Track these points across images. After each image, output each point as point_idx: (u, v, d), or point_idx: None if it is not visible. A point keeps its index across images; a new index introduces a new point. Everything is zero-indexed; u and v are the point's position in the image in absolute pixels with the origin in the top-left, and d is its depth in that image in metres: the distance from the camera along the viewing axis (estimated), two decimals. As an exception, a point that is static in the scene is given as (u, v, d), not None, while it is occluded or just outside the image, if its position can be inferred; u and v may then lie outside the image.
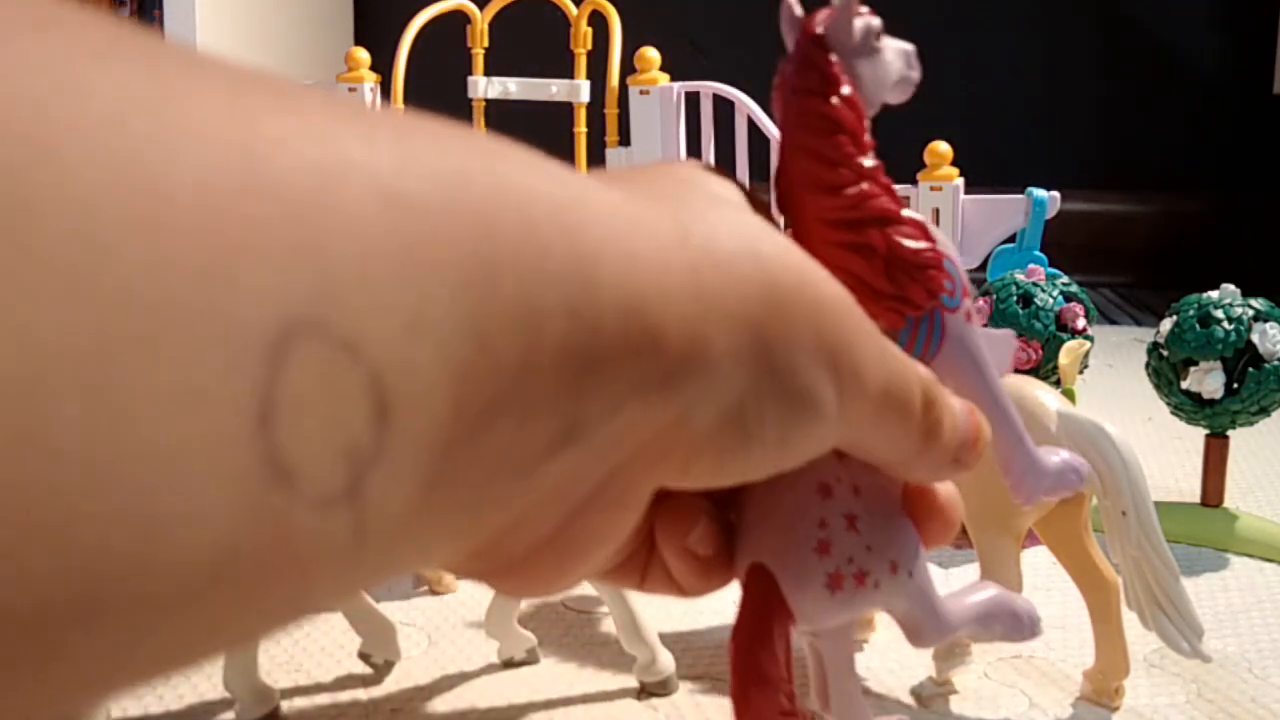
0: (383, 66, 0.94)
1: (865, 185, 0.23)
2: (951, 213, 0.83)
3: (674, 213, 0.19)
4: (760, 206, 0.21)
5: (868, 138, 0.23)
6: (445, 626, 0.77)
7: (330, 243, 0.13)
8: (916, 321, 0.23)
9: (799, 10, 0.23)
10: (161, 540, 0.11)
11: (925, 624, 0.24)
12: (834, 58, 0.22)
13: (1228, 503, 0.87)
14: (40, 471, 0.10)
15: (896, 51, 0.24)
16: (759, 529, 0.23)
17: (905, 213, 0.24)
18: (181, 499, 0.11)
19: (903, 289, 0.23)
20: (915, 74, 0.24)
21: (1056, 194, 0.89)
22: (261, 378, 0.12)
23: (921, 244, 0.23)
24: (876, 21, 0.23)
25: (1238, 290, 0.82)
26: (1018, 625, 0.26)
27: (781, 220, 0.24)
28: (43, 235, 0.11)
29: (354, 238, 0.13)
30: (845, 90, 0.22)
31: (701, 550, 0.22)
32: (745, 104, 0.91)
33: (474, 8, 0.98)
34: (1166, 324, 0.83)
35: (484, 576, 0.20)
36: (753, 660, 0.22)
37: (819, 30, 0.23)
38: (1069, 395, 0.71)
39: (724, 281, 0.18)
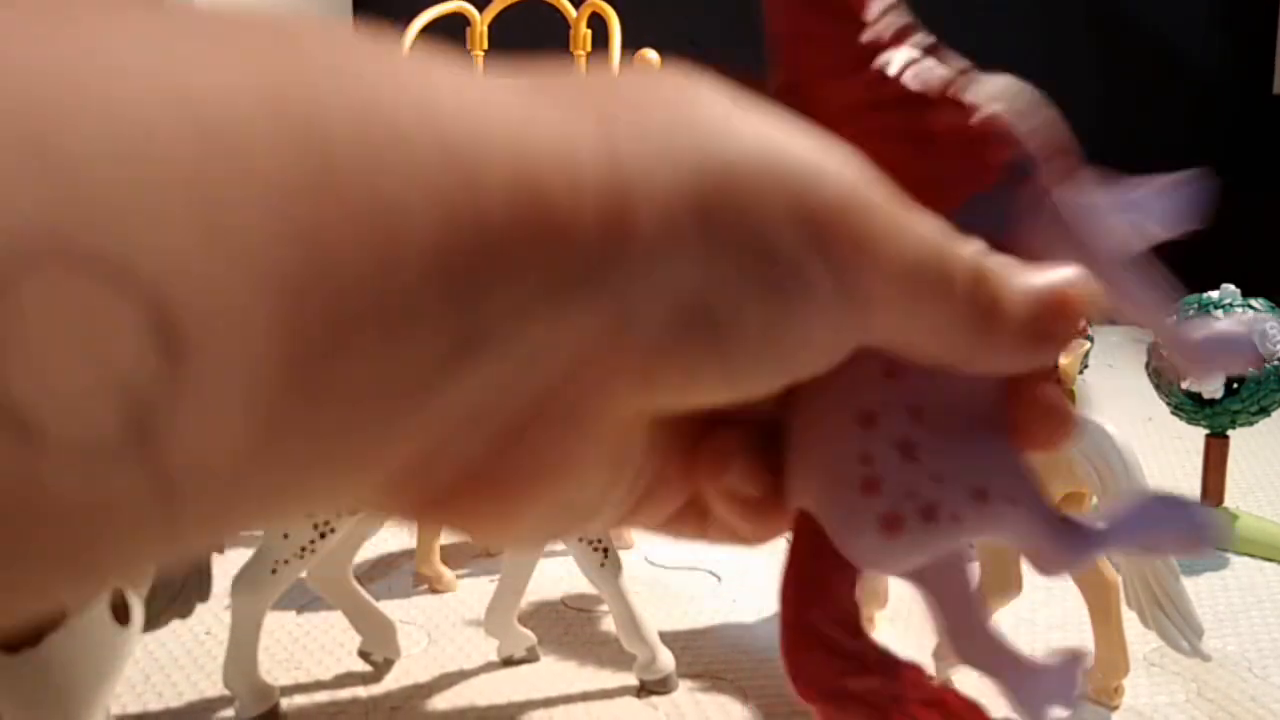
0: (383, 66, 0.94)
1: (882, 64, 0.20)
2: (951, 212, 0.83)
3: (591, 88, 0.16)
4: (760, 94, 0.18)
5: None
6: (445, 624, 0.77)
7: (86, 142, 0.11)
8: (978, 198, 0.20)
9: None
10: None
11: (1050, 551, 0.20)
12: None
13: (1228, 502, 0.87)
14: None
15: None
16: (800, 468, 0.20)
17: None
18: None
19: (945, 170, 0.20)
20: None
21: (1056, 194, 0.89)
22: None
23: (963, 117, 0.20)
24: None
25: (1238, 290, 0.82)
26: (1191, 529, 0.21)
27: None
28: None
29: (122, 133, 0.11)
30: None
31: (744, 491, 0.20)
32: (745, 103, 0.90)
33: (473, 10, 0.98)
34: (1166, 324, 0.83)
35: (413, 514, 0.18)
36: (803, 621, 0.20)
37: None
38: (1069, 395, 0.71)
39: (651, 153, 0.16)
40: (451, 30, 0.98)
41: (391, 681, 0.70)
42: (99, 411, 0.11)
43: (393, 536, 0.89)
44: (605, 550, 0.68)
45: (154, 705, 0.68)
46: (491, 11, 0.97)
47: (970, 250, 0.19)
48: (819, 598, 0.20)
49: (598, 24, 0.95)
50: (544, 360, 0.15)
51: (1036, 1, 1.87)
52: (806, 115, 0.19)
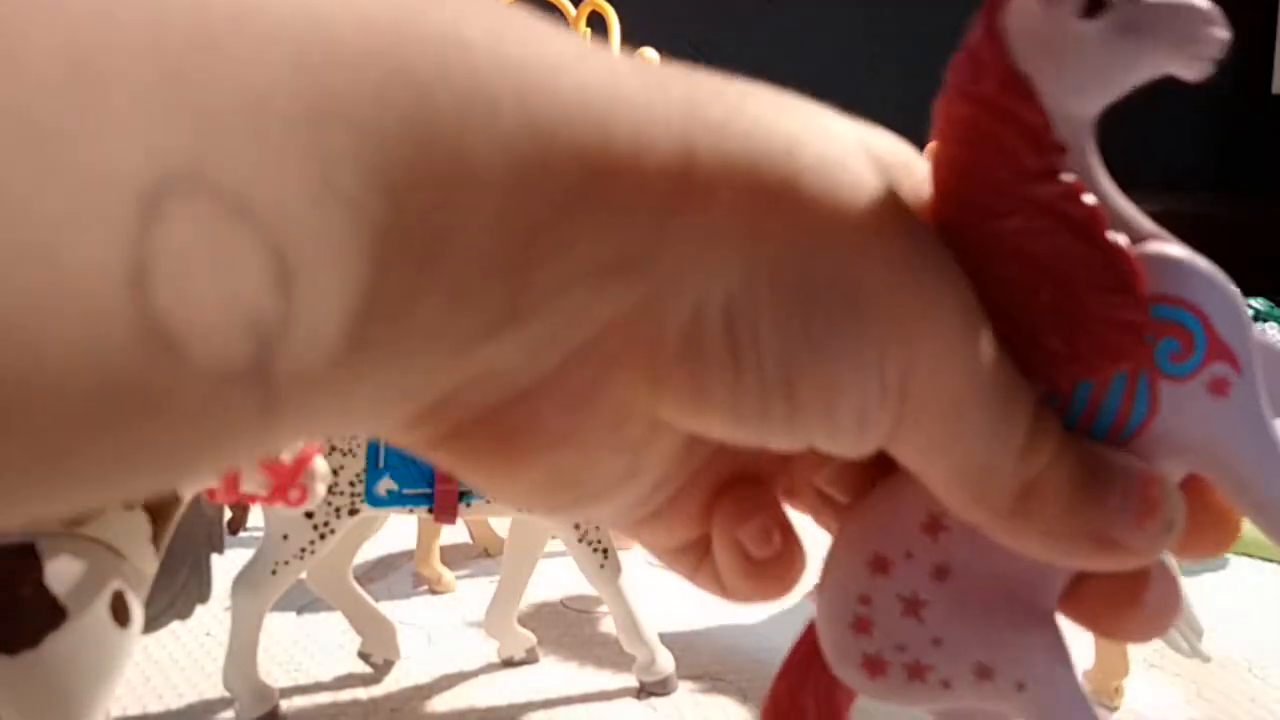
0: (383, 66, 0.94)
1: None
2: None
3: (690, 81, 0.16)
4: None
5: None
6: (445, 626, 0.77)
7: (218, 89, 0.12)
8: (1106, 379, 0.18)
9: None
10: (30, 387, 0.11)
11: None
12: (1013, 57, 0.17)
13: (1227, 503, 0.87)
14: None
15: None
16: (822, 570, 0.20)
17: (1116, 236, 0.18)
18: (38, 358, 0.11)
19: (1071, 345, 0.18)
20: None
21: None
22: (131, 235, 0.11)
23: (1114, 294, 0.18)
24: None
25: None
26: None
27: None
28: None
29: (249, 85, 0.12)
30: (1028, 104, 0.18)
31: (753, 548, 0.19)
32: (745, 104, 0.90)
33: (474, 7, 0.97)
34: (1166, 324, 0.83)
35: (424, 447, 0.18)
36: (795, 701, 0.20)
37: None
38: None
39: (726, 150, 0.15)
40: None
41: (391, 683, 0.70)
42: (237, 338, 0.12)
43: (392, 537, 0.89)
44: (605, 551, 0.68)
45: (154, 707, 0.68)
46: (491, 12, 0.97)
47: (1044, 413, 0.17)
48: (803, 693, 0.20)
49: (597, 22, 0.95)
50: (571, 335, 0.16)
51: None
52: (961, 190, 0.18)
